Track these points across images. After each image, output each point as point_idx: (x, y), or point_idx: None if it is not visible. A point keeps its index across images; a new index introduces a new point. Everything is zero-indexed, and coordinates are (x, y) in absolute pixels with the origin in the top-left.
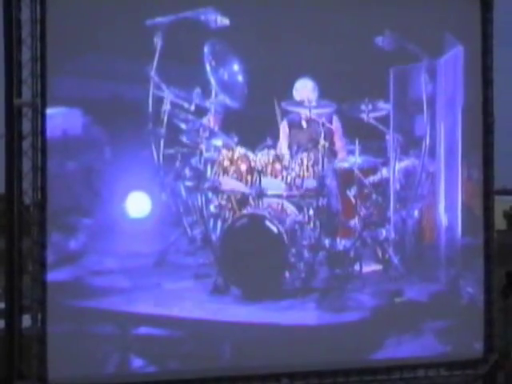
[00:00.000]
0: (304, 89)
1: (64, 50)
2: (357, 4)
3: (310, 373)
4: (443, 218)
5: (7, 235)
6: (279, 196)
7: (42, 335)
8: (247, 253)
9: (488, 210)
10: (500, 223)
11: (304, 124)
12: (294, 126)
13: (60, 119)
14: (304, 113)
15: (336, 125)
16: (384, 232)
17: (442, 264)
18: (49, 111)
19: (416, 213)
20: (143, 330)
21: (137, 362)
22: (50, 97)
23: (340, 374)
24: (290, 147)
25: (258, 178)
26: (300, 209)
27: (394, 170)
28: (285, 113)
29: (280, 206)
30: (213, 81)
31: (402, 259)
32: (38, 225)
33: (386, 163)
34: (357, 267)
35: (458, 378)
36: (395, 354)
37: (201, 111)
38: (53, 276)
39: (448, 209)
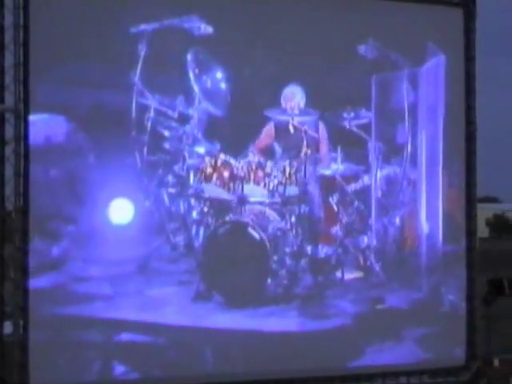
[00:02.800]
0: (290, 96)
1: (47, 56)
2: (340, 13)
3: (294, 380)
4: (424, 226)
5: None
6: (261, 203)
7: (23, 342)
8: (230, 260)
9: (471, 217)
10: (482, 231)
11: (290, 130)
12: (281, 130)
13: (43, 125)
14: (289, 120)
15: (322, 133)
16: (366, 239)
17: (423, 271)
18: (32, 117)
19: (397, 220)
20: (125, 336)
21: (119, 369)
22: (33, 103)
23: (323, 381)
24: (273, 150)
25: (240, 185)
26: (282, 216)
27: (376, 177)
28: (268, 119)
29: (262, 213)
30: (196, 88)
31: (383, 266)
32: (20, 231)
33: (367, 171)
34: (338, 274)
35: None
36: (377, 361)
37: (184, 118)
38: (35, 283)
39: (429, 216)
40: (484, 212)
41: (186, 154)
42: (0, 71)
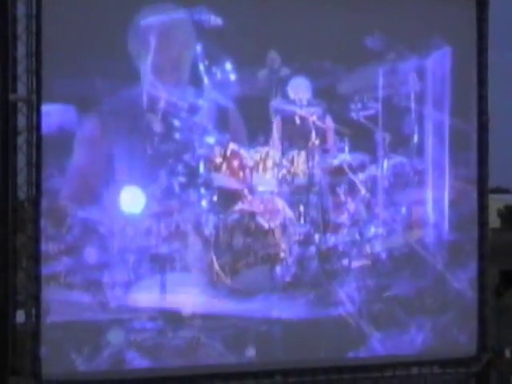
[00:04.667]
0: (298, 87)
1: (59, 46)
2: (347, 5)
3: (304, 370)
4: (431, 216)
5: (1, 231)
6: (270, 192)
7: (35, 331)
8: (239, 248)
9: (482, 208)
10: (494, 222)
11: (297, 121)
12: (287, 122)
13: (55, 115)
14: (297, 111)
15: (328, 123)
16: (373, 228)
17: (431, 261)
18: (44, 107)
19: (404, 210)
20: (137, 324)
21: (133, 357)
22: (46, 93)
23: (333, 371)
24: (281, 143)
25: (249, 175)
26: (290, 205)
27: (383, 167)
28: (277, 111)
29: (271, 202)
30: (206, 79)
31: (390, 255)
32: (33, 220)
33: (374, 161)
34: (346, 262)
35: (451, 376)
36: (387, 351)
37: (194, 109)
38: (47, 271)
39: (436, 206)
40: (496, 203)
41: (196, 144)
42: (13, 61)
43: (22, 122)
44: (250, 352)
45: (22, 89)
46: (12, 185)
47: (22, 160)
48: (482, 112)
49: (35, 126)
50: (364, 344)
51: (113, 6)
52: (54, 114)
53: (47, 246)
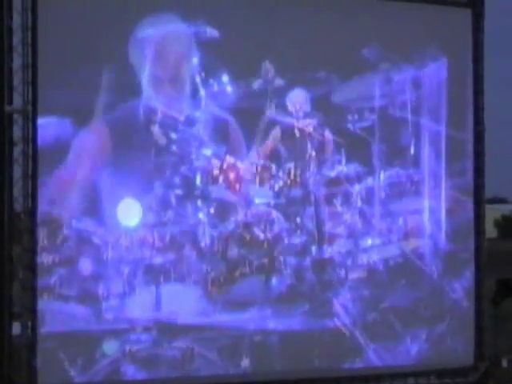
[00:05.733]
0: (297, 99)
1: (56, 58)
2: (344, 16)
3: (301, 381)
4: (427, 226)
5: None
6: (267, 204)
7: (32, 342)
8: (234, 259)
9: (479, 218)
10: (491, 232)
11: (293, 132)
12: (286, 132)
13: (51, 127)
14: (293, 122)
15: (326, 135)
16: (369, 240)
17: (428, 271)
18: (40, 120)
19: (401, 221)
20: (132, 335)
21: (129, 369)
22: (42, 105)
23: (330, 382)
24: (279, 152)
25: (246, 187)
26: (287, 217)
27: (379, 178)
28: (273, 122)
29: (268, 214)
30: (202, 92)
31: (386, 266)
32: (29, 232)
33: (371, 172)
34: (342, 274)
35: None
36: (384, 361)
37: (191, 121)
38: (43, 283)
39: (432, 216)
40: (492, 213)
41: (193, 156)
42: (8, 72)
43: (17, 134)
44: (245, 363)
45: (17, 100)
46: (8, 196)
47: (17, 171)
48: (478, 122)
49: (31, 138)
50: (360, 355)
51: (111, 17)
52: (49, 126)
53: (42, 257)
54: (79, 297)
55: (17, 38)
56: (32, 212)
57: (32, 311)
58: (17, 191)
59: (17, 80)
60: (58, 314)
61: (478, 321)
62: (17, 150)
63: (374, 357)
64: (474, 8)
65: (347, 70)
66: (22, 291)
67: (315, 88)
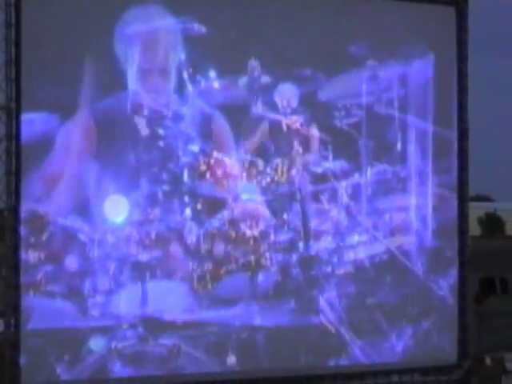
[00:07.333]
0: (284, 95)
1: (39, 54)
2: (331, 13)
3: (287, 378)
4: (413, 222)
5: None
6: (254, 200)
7: (15, 340)
8: (220, 255)
9: (463, 216)
10: (474, 229)
11: (280, 128)
12: (274, 128)
13: (36, 124)
14: (280, 118)
15: (312, 131)
16: (356, 236)
17: (413, 268)
18: (24, 116)
19: (387, 217)
20: (120, 333)
21: (114, 366)
22: (26, 101)
23: (314, 380)
24: (266, 149)
25: (233, 183)
26: (274, 213)
27: (366, 175)
28: (260, 118)
29: (255, 210)
30: (190, 87)
31: (372, 262)
32: (12, 229)
33: (358, 168)
34: (328, 270)
35: None
36: (368, 359)
37: (178, 117)
38: (30, 279)
39: (418, 213)
40: (476, 210)
41: (180, 152)
42: None
43: (1, 131)
44: (232, 360)
45: (1, 97)
46: None
47: (1, 169)
48: (463, 121)
49: (15, 135)
50: (345, 352)
51: (95, 14)
52: (33, 123)
53: (28, 254)
54: (65, 293)
55: (0, 35)
56: (15, 209)
57: (15, 309)
58: (0, 188)
59: (0, 77)
60: (44, 310)
61: (461, 319)
62: (0, 148)
63: (360, 354)
64: (458, 6)
65: (334, 67)
66: (6, 289)
67: (302, 85)
